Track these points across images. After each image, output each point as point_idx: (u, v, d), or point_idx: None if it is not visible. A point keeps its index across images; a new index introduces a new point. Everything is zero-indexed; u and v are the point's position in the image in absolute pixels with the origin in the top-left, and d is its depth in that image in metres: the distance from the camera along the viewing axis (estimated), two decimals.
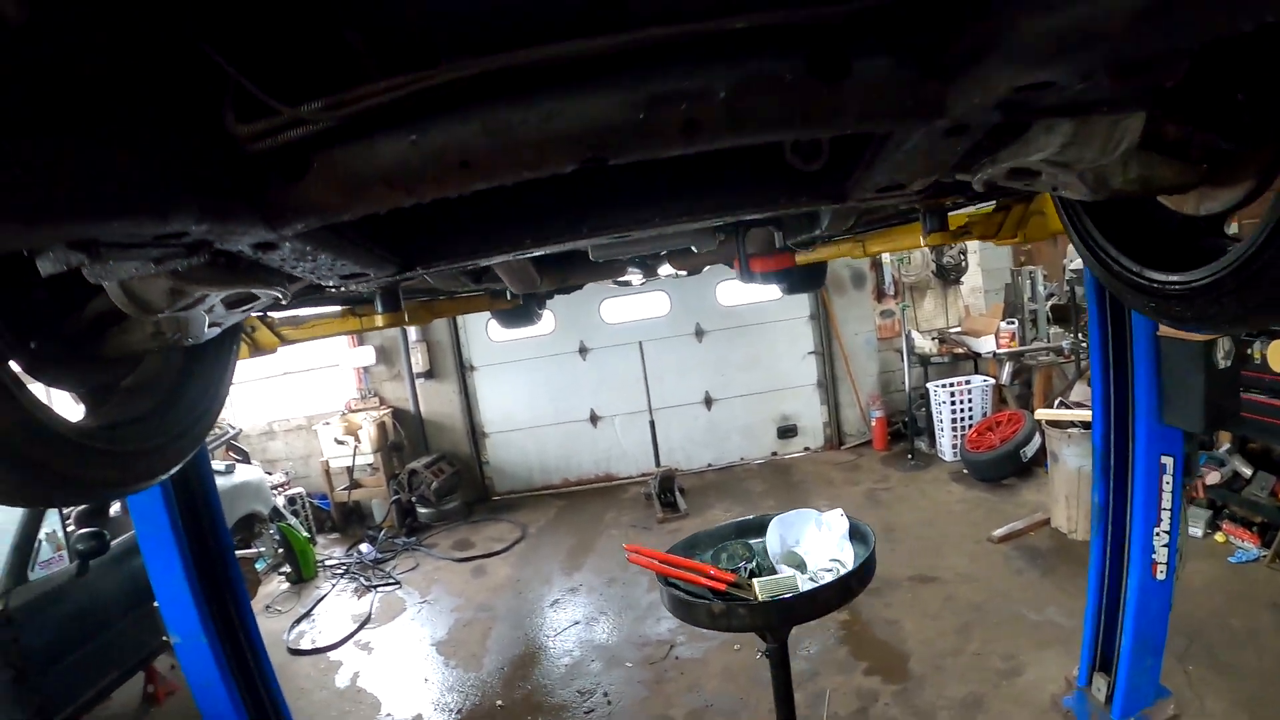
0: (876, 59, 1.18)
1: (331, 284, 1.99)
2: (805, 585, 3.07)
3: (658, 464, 10.77)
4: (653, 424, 11.05)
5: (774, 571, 3.28)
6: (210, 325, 2.00)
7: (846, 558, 3.22)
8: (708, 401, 11.08)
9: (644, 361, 10.96)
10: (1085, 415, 6.81)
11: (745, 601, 3.02)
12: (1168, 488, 4.36)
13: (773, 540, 3.45)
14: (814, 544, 3.36)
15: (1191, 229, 1.93)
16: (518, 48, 1.14)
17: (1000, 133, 1.46)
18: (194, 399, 2.24)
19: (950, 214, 3.15)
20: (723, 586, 3.04)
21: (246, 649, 4.57)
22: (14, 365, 1.62)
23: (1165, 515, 4.38)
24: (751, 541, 3.53)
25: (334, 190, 1.31)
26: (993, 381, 9.89)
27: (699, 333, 10.86)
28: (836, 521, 3.40)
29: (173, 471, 2.13)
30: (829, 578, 3.09)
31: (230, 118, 1.17)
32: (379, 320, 3.06)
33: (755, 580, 3.09)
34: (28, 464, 1.55)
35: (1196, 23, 0.94)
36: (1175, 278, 1.87)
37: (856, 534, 3.38)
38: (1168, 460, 4.33)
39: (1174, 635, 4.68)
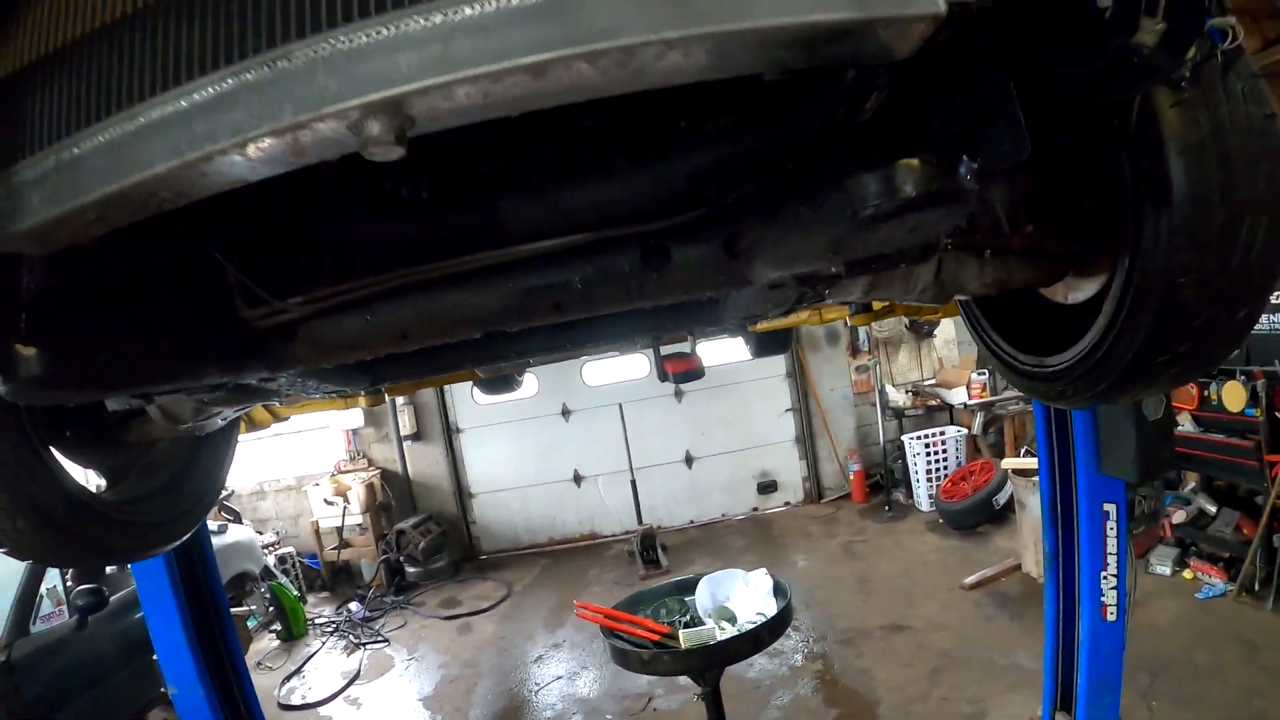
0: (692, 249, 1.75)
1: (318, 395, 2.77)
2: (725, 636, 3.45)
3: (640, 522, 10.91)
4: (634, 483, 11.24)
5: (702, 623, 3.62)
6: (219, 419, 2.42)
7: (769, 610, 3.59)
8: (688, 460, 11.30)
9: (625, 422, 11.20)
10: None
11: (670, 649, 3.39)
12: (1111, 533, 4.59)
13: (703, 596, 3.81)
14: (742, 599, 3.73)
15: (1063, 316, 2.13)
16: (436, 260, 1.74)
17: (814, 282, 2.00)
18: (201, 477, 2.59)
19: None
20: (656, 637, 3.40)
21: (241, 702, 4.74)
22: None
23: (1111, 559, 4.61)
24: (686, 598, 3.87)
25: (314, 350, 1.92)
26: (966, 432, 10.14)
27: (678, 393, 11.10)
28: (761, 579, 3.80)
29: (182, 540, 2.48)
30: (740, 629, 3.52)
31: (240, 304, 1.76)
32: (363, 401, 3.54)
33: (681, 631, 3.41)
34: (66, 532, 1.93)
35: (884, 248, 1.59)
36: (1040, 361, 2.14)
37: (779, 590, 3.77)
38: (1110, 507, 4.57)
39: (1139, 671, 4.89)
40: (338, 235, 1.73)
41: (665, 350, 4.04)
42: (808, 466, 11.34)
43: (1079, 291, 1.99)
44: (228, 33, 1.04)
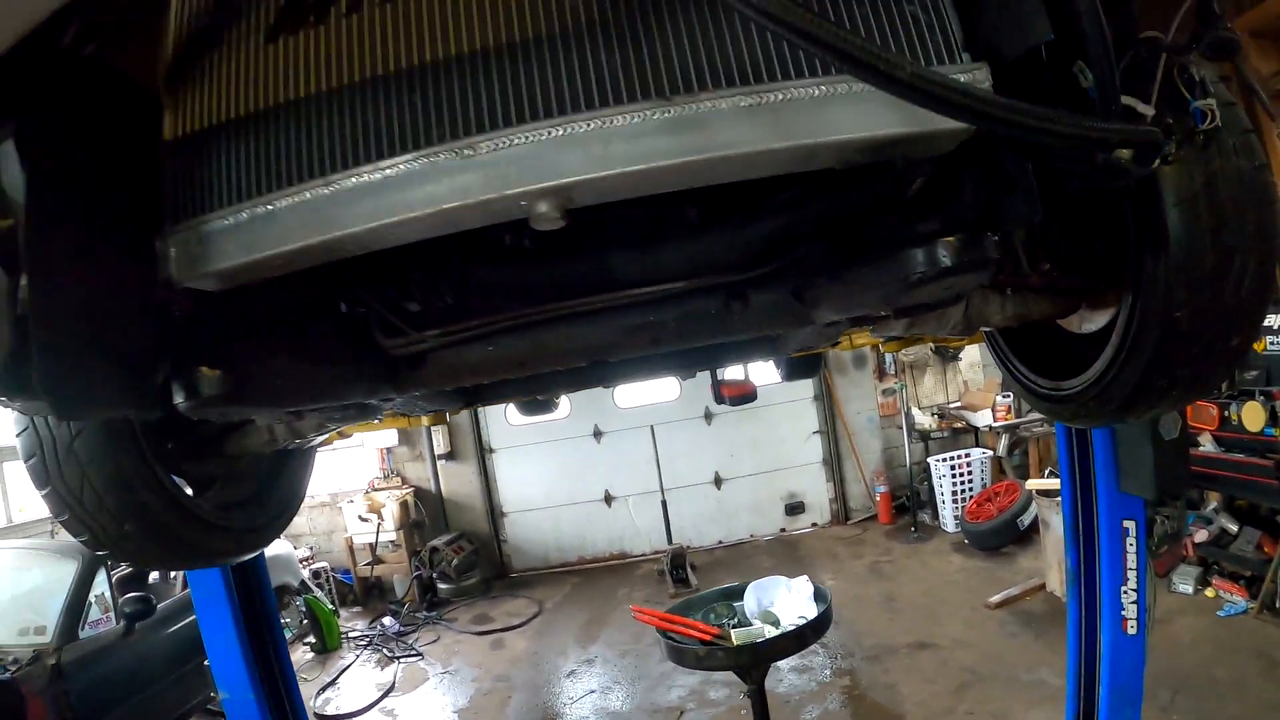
0: (765, 295, 2.12)
1: (418, 413, 3.42)
2: (773, 635, 3.75)
3: (670, 542, 11.13)
4: (664, 503, 11.44)
5: (749, 625, 3.90)
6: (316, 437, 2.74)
7: (811, 613, 3.86)
8: (717, 481, 11.49)
9: (656, 443, 11.44)
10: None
11: (723, 647, 3.66)
12: (1131, 549, 4.73)
13: (750, 602, 4.09)
14: (785, 604, 4.00)
15: (1077, 344, 2.35)
16: (555, 300, 2.07)
17: (864, 321, 2.49)
18: (285, 488, 2.86)
19: None
20: (708, 637, 3.63)
21: (289, 708, 4.95)
22: None
23: (1131, 574, 4.74)
24: (734, 603, 4.14)
25: (439, 374, 2.26)
26: (991, 453, 10.26)
27: (708, 415, 11.33)
28: (802, 586, 4.08)
29: (268, 545, 2.75)
30: (784, 630, 3.82)
31: (378, 334, 2.06)
32: (424, 420, 3.94)
33: (732, 631, 3.66)
34: (170, 536, 2.18)
35: (926, 300, 1.98)
36: (1057, 385, 2.35)
37: (820, 595, 4.05)
38: (1129, 524, 4.71)
39: (1160, 687, 5.00)
40: (467, 278, 2.01)
41: (723, 376, 4.58)
42: (835, 488, 11.49)
43: (1091, 322, 2.21)
44: (414, 120, 1.34)
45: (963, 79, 1.31)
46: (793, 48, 1.31)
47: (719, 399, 4.86)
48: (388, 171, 1.31)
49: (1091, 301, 2.16)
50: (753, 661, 3.79)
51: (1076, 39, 1.36)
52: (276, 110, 1.40)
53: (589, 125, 1.27)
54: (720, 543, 11.44)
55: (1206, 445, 6.85)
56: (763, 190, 1.88)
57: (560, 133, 1.28)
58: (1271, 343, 6.36)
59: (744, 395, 4.75)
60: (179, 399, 1.61)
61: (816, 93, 1.31)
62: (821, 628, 3.83)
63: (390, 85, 1.36)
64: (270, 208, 1.37)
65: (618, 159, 1.27)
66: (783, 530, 11.48)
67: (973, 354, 11.21)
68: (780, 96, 1.30)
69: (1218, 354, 1.87)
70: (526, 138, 1.28)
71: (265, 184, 1.38)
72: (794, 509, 11.48)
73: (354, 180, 1.33)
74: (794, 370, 6.77)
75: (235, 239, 1.39)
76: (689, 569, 9.87)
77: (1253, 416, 6.48)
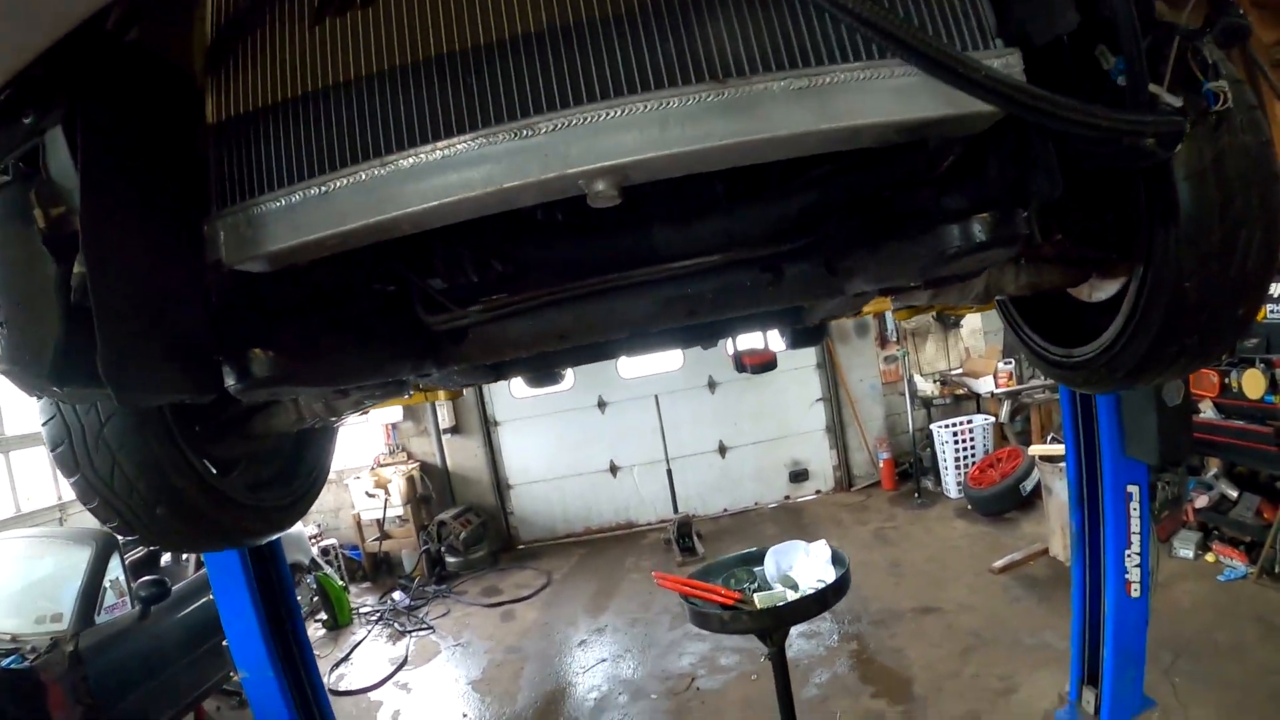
0: (799, 267, 2.19)
1: (451, 386, 3.48)
2: (794, 597, 3.80)
3: (675, 510, 11.24)
4: (670, 472, 11.53)
5: (770, 589, 3.95)
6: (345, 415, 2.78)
7: (829, 577, 3.89)
8: (721, 450, 11.56)
9: (660, 413, 11.50)
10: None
11: (746, 610, 3.72)
12: (1135, 513, 4.81)
13: (769, 566, 4.13)
14: (803, 568, 4.04)
15: (1088, 313, 2.40)
16: (595, 275, 2.12)
17: (892, 292, 2.62)
18: (310, 463, 2.89)
19: None
20: (730, 601, 3.70)
21: (307, 684, 5.02)
22: None
23: (1135, 538, 4.82)
24: (753, 568, 4.19)
25: (480, 349, 2.33)
26: (993, 420, 10.33)
27: (711, 384, 11.39)
28: (820, 550, 4.11)
29: (294, 524, 2.80)
30: (804, 592, 3.85)
31: (420, 310, 2.12)
32: (441, 394, 4.12)
33: (755, 594, 3.76)
34: (201, 518, 2.20)
35: (956, 272, 2.12)
36: (1068, 353, 2.41)
37: (838, 559, 4.07)
38: (1133, 489, 4.78)
39: (1161, 650, 5.10)
40: (512, 253, 2.05)
41: (743, 346, 4.76)
42: (838, 455, 11.57)
43: (1101, 291, 2.26)
44: (471, 101, 1.37)
45: (997, 64, 1.37)
46: (839, 31, 1.36)
47: (739, 368, 4.99)
48: (446, 151, 1.35)
49: (1102, 271, 2.21)
50: (775, 624, 3.85)
51: (1101, 25, 1.42)
52: (329, 92, 1.43)
53: (646, 107, 1.32)
54: (725, 511, 11.54)
55: (1207, 412, 6.94)
56: (796, 166, 1.92)
57: (618, 114, 1.32)
58: (1271, 311, 6.39)
59: (765, 363, 4.86)
60: (230, 381, 1.64)
61: (862, 76, 1.36)
62: (841, 590, 3.88)
63: (447, 66, 1.39)
64: (325, 189, 1.40)
65: (674, 140, 1.32)
66: (787, 498, 11.58)
67: (974, 321, 11.26)
68: (828, 80, 1.35)
69: (1224, 323, 1.95)
70: (585, 118, 1.32)
71: (318, 166, 1.41)
72: (798, 476, 11.57)
73: (412, 160, 1.37)
74: (799, 339, 6.83)
75: (288, 220, 1.43)
76: (695, 537, 9.97)
77: (1253, 384, 6.55)
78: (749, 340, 4.95)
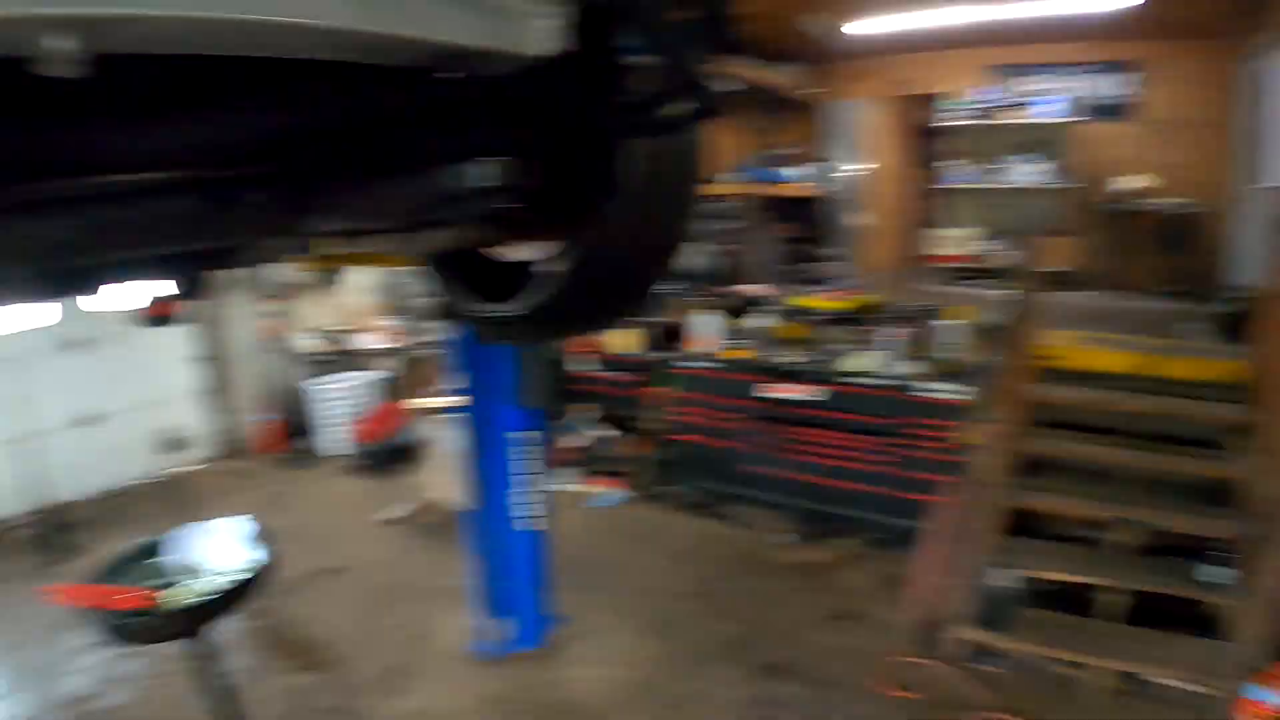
0: (261, 196, 1.76)
1: None
2: (205, 590, 3.55)
3: (38, 500, 9.09)
4: (18, 455, 9.29)
5: (184, 582, 3.64)
6: None
7: (248, 557, 3.77)
8: (84, 421, 9.68)
9: (18, 380, 9.14)
10: (453, 401, 7.90)
11: (157, 615, 3.38)
12: (529, 456, 5.54)
13: (173, 555, 3.78)
14: (214, 552, 3.80)
15: (506, 271, 2.51)
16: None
17: (360, 234, 2.22)
18: None
19: None
20: (151, 604, 3.35)
21: None
22: None
23: (529, 478, 5.57)
24: (157, 561, 3.81)
25: None
26: (379, 376, 10.62)
27: (69, 344, 9.44)
28: (227, 527, 3.93)
29: None
30: (227, 580, 3.64)
31: None
32: None
33: (159, 594, 3.43)
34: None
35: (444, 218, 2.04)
36: (495, 308, 2.51)
37: (250, 537, 3.93)
38: (521, 434, 5.49)
39: (560, 572, 5.92)
40: None
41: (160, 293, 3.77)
42: (221, 419, 10.74)
43: (521, 251, 2.45)
44: None
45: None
46: None
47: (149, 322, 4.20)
48: None
49: (525, 234, 2.35)
50: (190, 626, 3.56)
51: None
52: None
53: None
54: (102, 492, 9.69)
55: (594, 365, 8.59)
56: (282, 72, 1.47)
57: None
58: None
59: (170, 315, 4.18)
60: None
61: None
62: (264, 571, 3.75)
63: None
64: None
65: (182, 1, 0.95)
66: (168, 470, 10.24)
67: (358, 277, 11.35)
68: None
69: (636, 291, 2.40)
70: None
71: None
72: (179, 444, 10.39)
73: None
74: (196, 288, 6.16)
75: None
76: (67, 530, 8.42)
77: (623, 341, 8.33)
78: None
